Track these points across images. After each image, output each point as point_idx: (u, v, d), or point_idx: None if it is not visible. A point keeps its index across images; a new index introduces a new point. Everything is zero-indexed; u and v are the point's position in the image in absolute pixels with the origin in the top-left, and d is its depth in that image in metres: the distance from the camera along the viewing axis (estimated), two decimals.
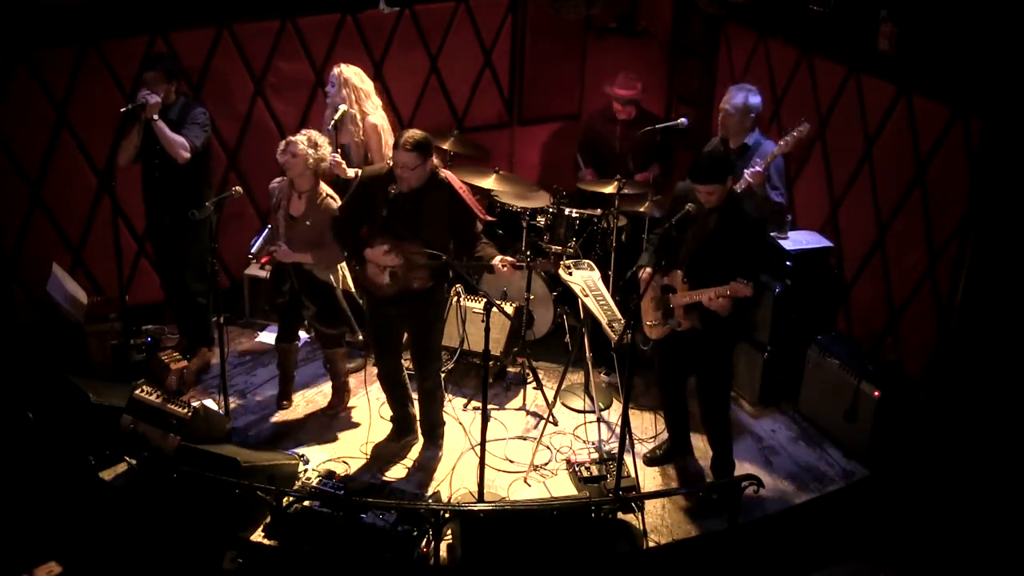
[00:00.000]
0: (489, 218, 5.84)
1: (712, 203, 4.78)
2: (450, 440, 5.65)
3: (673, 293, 4.94)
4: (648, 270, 4.98)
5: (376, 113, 6.04)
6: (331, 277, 5.52)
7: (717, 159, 4.96)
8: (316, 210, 5.35)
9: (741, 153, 5.73)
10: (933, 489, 5.25)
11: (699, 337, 4.95)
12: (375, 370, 5.56)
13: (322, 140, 5.33)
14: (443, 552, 4.64)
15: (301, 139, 5.25)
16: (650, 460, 5.53)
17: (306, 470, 5.23)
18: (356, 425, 5.77)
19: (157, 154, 5.60)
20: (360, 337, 5.95)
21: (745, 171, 5.47)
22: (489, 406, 5.01)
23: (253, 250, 5.39)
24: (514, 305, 6.15)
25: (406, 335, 5.40)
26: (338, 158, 5.71)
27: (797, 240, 5.98)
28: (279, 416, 5.82)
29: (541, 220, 6.41)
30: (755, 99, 5.76)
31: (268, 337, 6.60)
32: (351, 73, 5.95)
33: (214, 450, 4.91)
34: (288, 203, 5.41)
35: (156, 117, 5.46)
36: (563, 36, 7.57)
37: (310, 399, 6.00)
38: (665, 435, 5.72)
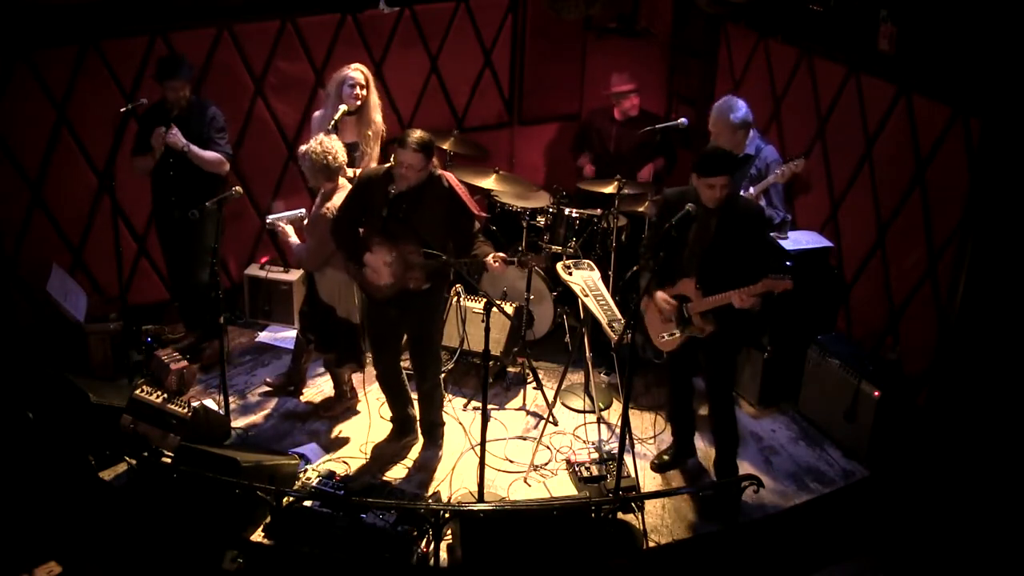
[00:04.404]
0: (484, 215, 5.84)
1: (720, 199, 4.70)
2: (450, 440, 5.65)
3: (688, 302, 4.90)
4: (660, 294, 4.92)
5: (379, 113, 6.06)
6: (335, 302, 5.49)
7: (723, 152, 4.88)
8: (318, 208, 5.37)
9: (745, 163, 5.69)
10: (933, 489, 5.25)
11: (713, 338, 4.92)
12: (374, 370, 5.56)
13: (327, 142, 5.31)
14: (443, 552, 4.64)
15: (306, 148, 5.31)
16: (658, 466, 5.49)
17: (306, 470, 5.23)
18: (356, 425, 5.76)
19: (171, 152, 5.67)
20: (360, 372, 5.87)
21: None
22: (489, 406, 5.01)
23: (270, 218, 5.59)
24: (514, 305, 6.15)
25: (405, 336, 5.40)
26: None
27: (797, 240, 5.98)
28: (279, 416, 5.82)
29: (541, 220, 6.41)
30: (743, 111, 5.69)
31: (268, 337, 6.61)
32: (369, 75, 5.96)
33: (214, 450, 4.91)
34: None
35: (188, 147, 5.64)
36: (563, 36, 7.57)
37: (310, 399, 6.00)
38: (663, 436, 5.72)
